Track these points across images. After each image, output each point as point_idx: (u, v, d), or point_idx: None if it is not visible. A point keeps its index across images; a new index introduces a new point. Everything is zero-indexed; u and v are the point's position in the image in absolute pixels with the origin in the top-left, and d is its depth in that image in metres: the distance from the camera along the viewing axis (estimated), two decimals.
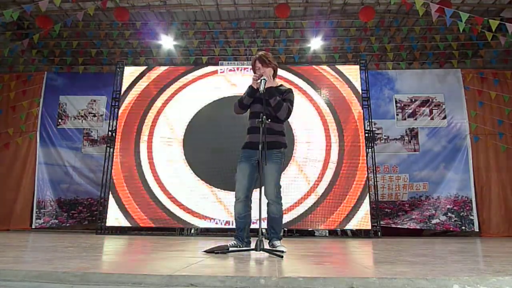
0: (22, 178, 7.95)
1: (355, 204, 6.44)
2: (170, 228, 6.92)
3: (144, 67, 7.70)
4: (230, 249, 2.62)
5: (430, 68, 8.80)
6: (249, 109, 3.01)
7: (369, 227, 6.37)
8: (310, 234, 7.54)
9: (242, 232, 2.85)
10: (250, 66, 3.15)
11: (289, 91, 3.00)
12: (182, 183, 6.74)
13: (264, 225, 2.79)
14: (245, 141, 2.97)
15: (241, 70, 7.20)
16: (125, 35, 8.22)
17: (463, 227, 7.28)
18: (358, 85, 7.04)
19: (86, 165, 8.17)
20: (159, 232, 7.52)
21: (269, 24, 8.18)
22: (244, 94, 2.97)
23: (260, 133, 2.58)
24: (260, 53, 3.04)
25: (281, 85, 3.05)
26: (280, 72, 7.08)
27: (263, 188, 2.70)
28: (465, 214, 7.31)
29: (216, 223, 6.52)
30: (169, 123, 7.09)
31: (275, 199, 2.80)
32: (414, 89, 8.12)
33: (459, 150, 7.66)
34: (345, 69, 7.27)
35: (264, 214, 2.60)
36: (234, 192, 2.87)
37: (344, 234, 7.42)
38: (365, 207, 6.42)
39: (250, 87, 2.91)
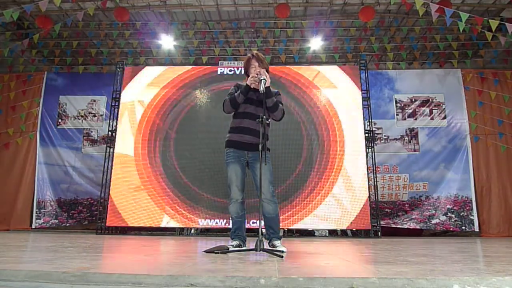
0: (22, 178, 7.96)
1: (355, 204, 6.44)
2: (170, 228, 6.91)
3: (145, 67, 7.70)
4: (230, 249, 2.62)
5: (430, 68, 8.80)
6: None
7: (369, 227, 6.37)
8: (310, 234, 7.54)
9: (241, 231, 2.87)
10: None
11: (278, 93, 3.06)
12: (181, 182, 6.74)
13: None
14: (232, 140, 2.91)
15: (241, 70, 7.21)
16: (125, 35, 8.22)
17: (463, 227, 7.28)
18: (358, 85, 7.05)
19: (86, 165, 8.17)
20: (159, 232, 7.51)
21: (269, 24, 8.18)
22: (237, 92, 2.91)
23: (255, 134, 2.66)
24: (255, 52, 3.04)
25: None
26: (280, 72, 7.12)
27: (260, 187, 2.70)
28: (465, 214, 7.31)
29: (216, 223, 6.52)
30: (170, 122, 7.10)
31: (271, 198, 2.82)
32: (414, 89, 8.12)
33: (459, 150, 7.66)
34: (345, 69, 7.28)
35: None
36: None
37: (344, 234, 7.42)
38: (365, 207, 6.42)
39: (247, 86, 2.87)
